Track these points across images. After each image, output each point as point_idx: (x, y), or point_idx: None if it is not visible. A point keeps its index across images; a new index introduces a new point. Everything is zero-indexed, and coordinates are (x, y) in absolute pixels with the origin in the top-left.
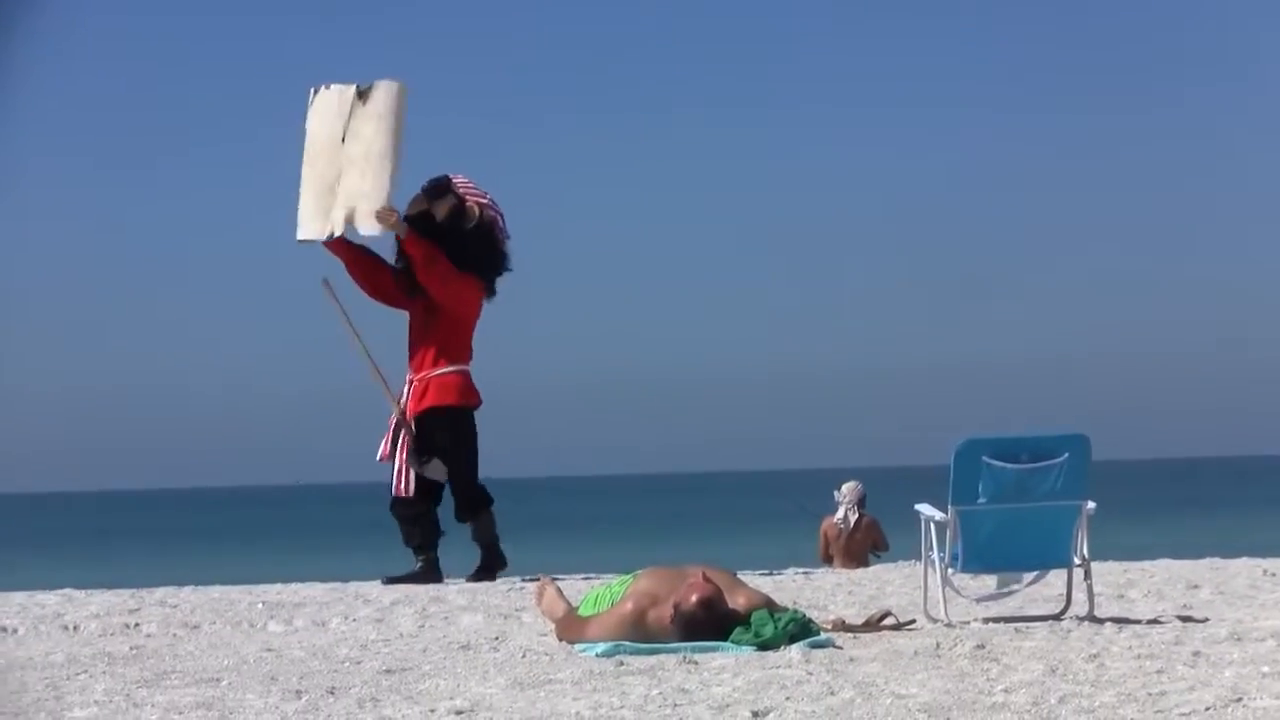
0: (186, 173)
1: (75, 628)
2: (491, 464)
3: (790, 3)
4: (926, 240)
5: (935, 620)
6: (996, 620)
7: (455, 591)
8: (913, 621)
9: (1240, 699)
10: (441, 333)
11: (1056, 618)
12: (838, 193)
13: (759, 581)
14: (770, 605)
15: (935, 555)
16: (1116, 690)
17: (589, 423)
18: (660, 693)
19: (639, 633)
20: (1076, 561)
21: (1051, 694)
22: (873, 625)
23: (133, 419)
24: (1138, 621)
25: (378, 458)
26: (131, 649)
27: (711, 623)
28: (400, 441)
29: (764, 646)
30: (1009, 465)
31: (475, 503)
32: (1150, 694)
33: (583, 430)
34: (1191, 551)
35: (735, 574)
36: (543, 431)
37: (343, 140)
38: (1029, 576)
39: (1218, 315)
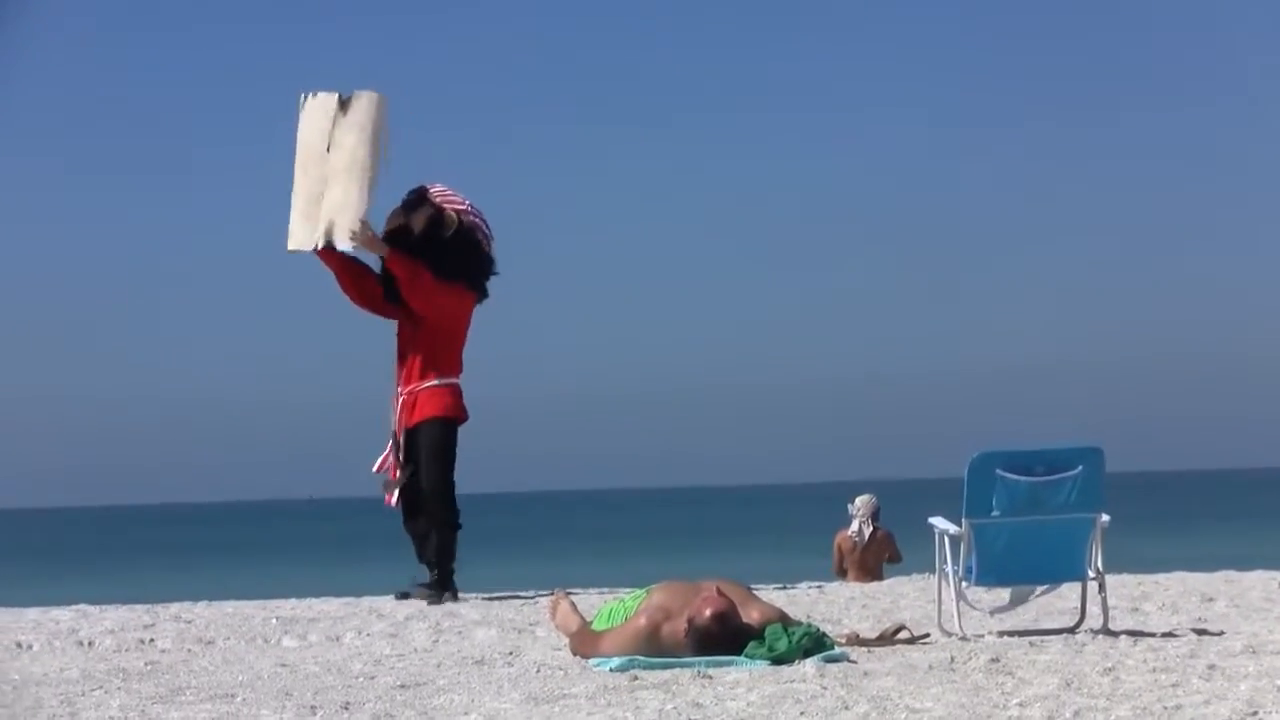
0: (189, 178)
1: (90, 643)
2: (500, 478)
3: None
4: (932, 246)
5: (950, 634)
6: (1011, 634)
7: (468, 606)
8: (927, 635)
9: (1256, 713)
10: (430, 345)
11: (1071, 631)
12: (838, 199)
13: (773, 595)
14: (784, 619)
15: (949, 568)
16: (1132, 704)
17: (598, 435)
18: (674, 707)
19: (653, 647)
20: (1091, 574)
21: (1066, 708)
22: (887, 639)
23: (142, 432)
24: (1153, 634)
25: (374, 468)
26: (146, 664)
27: (725, 637)
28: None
29: (778, 661)
30: (1023, 478)
31: (441, 520)
32: (1166, 708)
33: (592, 443)
34: (1206, 564)
35: (749, 587)
36: (551, 445)
37: (327, 150)
38: (1042, 589)
39: (1231, 323)
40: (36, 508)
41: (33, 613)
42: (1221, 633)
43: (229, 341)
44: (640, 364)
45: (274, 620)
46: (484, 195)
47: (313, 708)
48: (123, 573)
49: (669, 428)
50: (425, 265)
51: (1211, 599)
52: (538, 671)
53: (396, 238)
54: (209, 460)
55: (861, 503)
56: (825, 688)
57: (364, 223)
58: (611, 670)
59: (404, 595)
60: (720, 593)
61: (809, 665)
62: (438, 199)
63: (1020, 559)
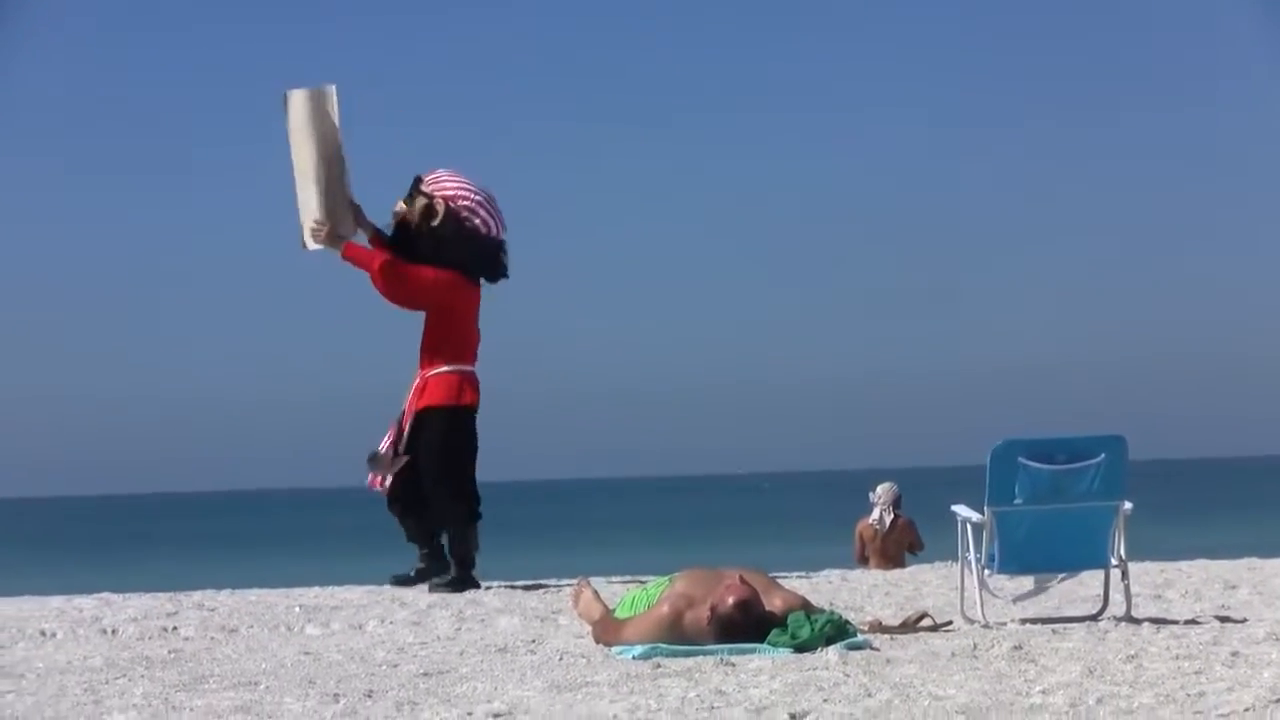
0: (189, 178)
1: (113, 631)
2: (523, 467)
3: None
4: (932, 245)
5: (972, 621)
6: (1034, 621)
7: (491, 595)
8: (950, 623)
9: (1279, 699)
10: (435, 332)
11: (1094, 618)
12: (838, 198)
13: (795, 583)
14: (807, 607)
15: (972, 556)
16: (1155, 691)
17: (620, 426)
18: (698, 695)
19: (676, 635)
20: (1114, 562)
21: (1089, 695)
22: (910, 626)
23: (165, 422)
24: (1175, 622)
25: (379, 449)
26: (170, 652)
27: (748, 625)
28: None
29: (801, 648)
30: (1045, 466)
31: (458, 512)
32: (1189, 695)
33: (615, 434)
34: (1229, 551)
35: (771, 575)
36: (576, 435)
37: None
38: (1064, 577)
39: (1230, 322)
40: (58, 496)
41: (56, 601)
42: (1244, 620)
43: (230, 340)
44: (642, 360)
45: (297, 608)
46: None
47: (336, 695)
48: (144, 560)
49: (695, 418)
50: (401, 254)
51: (1234, 586)
52: (560, 659)
53: (399, 229)
54: (230, 448)
55: (883, 490)
56: (848, 675)
57: (319, 222)
58: (634, 658)
59: (400, 580)
60: (743, 580)
61: (832, 653)
62: (430, 186)
63: (1043, 547)
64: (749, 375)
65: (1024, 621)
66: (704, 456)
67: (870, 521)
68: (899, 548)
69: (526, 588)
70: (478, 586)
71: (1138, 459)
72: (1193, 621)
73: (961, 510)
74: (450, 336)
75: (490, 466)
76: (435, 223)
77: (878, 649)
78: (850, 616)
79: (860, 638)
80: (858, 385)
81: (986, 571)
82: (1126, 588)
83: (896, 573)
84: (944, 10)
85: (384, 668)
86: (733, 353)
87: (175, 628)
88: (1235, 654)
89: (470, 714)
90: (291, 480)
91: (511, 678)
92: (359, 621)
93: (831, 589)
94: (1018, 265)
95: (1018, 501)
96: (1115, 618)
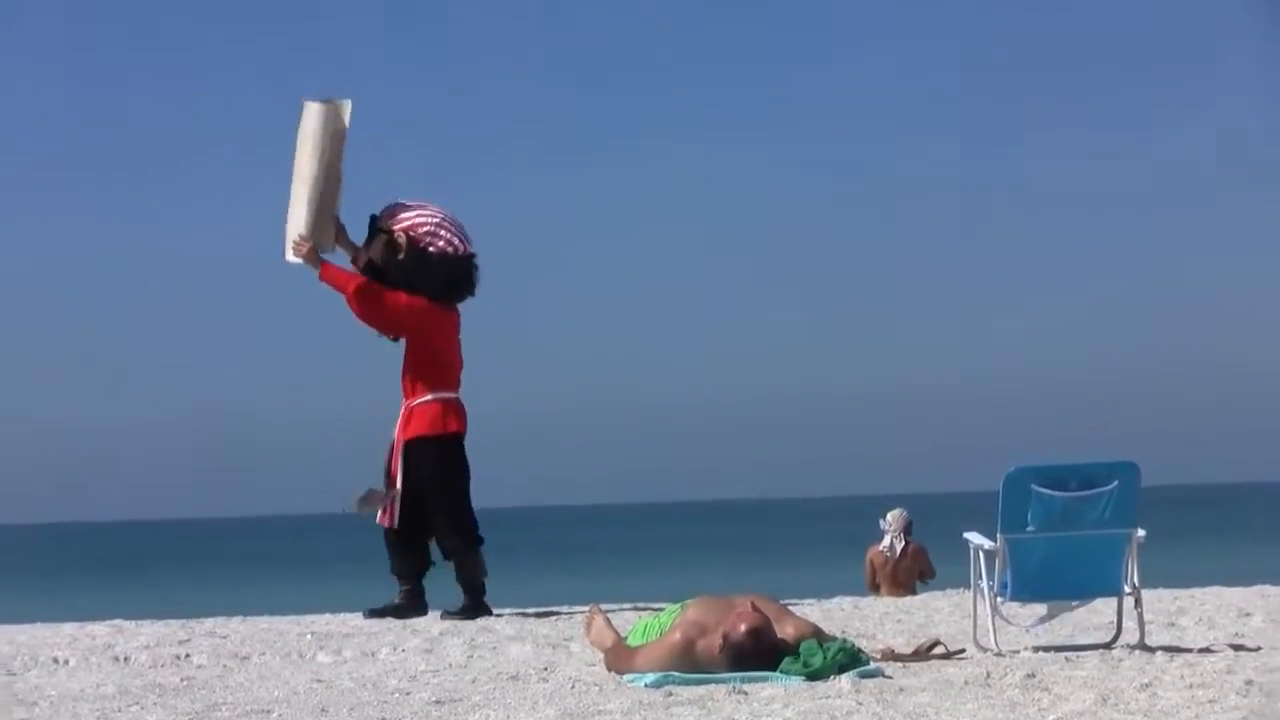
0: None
1: (126, 659)
2: (511, 494)
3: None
4: (949, 257)
5: (985, 649)
6: (1047, 649)
7: (503, 622)
8: (962, 650)
9: None
10: (416, 360)
11: (1107, 646)
12: (842, 212)
13: (806, 610)
14: (819, 634)
15: (984, 584)
16: None
17: (599, 451)
18: None
19: (688, 663)
20: (1127, 589)
21: None
22: (922, 654)
23: (180, 447)
24: (1189, 650)
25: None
26: (182, 680)
27: (760, 652)
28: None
29: (813, 676)
30: (1058, 493)
31: (457, 541)
32: None
33: (593, 459)
34: (1243, 579)
35: (782, 603)
36: (585, 460)
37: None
38: (1077, 604)
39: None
40: (74, 521)
41: (68, 628)
42: (1259, 648)
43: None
44: (659, 380)
45: (309, 636)
46: (489, 207)
47: None
48: (157, 585)
49: (702, 441)
50: (380, 283)
51: (1248, 614)
52: (573, 687)
53: (367, 272)
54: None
55: (893, 517)
56: (861, 703)
57: (302, 237)
58: (646, 686)
59: (375, 613)
60: (755, 608)
61: (844, 681)
62: (387, 222)
63: (1056, 574)
64: (749, 394)
65: (1037, 649)
66: (691, 481)
67: (881, 548)
68: (910, 575)
69: (538, 614)
70: (489, 613)
71: (1149, 484)
72: (1206, 650)
73: (974, 537)
74: (431, 364)
75: (500, 492)
76: (400, 256)
77: (890, 677)
78: (862, 644)
79: (873, 666)
80: (860, 405)
81: (999, 599)
82: (1140, 615)
83: (908, 600)
84: (952, 17)
85: (396, 695)
86: (731, 371)
87: (188, 655)
88: (1249, 682)
89: None
90: (299, 506)
91: (523, 706)
92: (371, 649)
93: (843, 616)
94: (1023, 282)
95: (1030, 529)
96: (1129, 645)
